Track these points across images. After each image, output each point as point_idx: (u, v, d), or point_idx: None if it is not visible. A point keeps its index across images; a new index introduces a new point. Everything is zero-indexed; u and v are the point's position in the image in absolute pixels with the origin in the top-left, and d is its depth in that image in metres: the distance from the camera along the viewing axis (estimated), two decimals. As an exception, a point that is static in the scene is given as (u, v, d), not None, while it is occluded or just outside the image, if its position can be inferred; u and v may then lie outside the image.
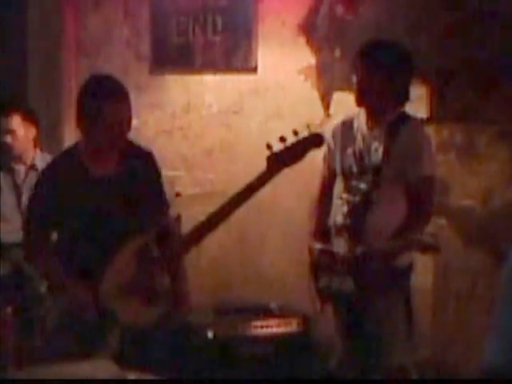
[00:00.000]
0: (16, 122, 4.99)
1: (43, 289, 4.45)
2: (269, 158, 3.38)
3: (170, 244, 3.58)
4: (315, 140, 3.41)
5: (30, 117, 5.05)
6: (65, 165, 3.52)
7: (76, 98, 3.52)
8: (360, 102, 3.73)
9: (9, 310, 3.00)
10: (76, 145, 3.62)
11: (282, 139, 3.35)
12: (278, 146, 3.36)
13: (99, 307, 3.42)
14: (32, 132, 5.05)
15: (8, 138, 4.98)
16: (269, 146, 3.38)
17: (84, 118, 3.44)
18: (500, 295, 1.98)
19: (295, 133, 3.37)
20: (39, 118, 5.22)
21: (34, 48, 5.99)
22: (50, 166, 3.62)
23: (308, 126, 3.35)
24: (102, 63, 5.94)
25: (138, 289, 3.47)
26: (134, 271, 3.47)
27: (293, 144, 3.38)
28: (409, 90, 3.76)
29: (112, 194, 3.49)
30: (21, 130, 5.00)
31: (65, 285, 3.44)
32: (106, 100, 3.38)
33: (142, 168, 3.60)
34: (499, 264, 4.41)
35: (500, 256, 4.45)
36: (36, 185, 3.63)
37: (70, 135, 5.99)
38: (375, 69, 3.66)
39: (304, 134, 3.34)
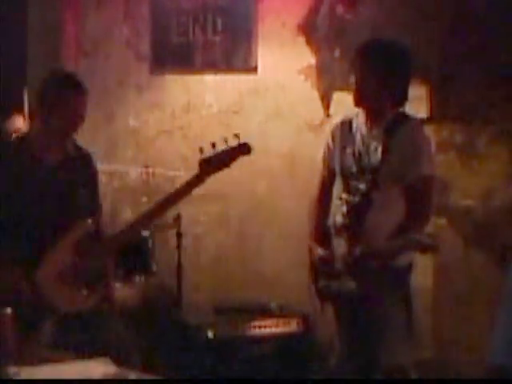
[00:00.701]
0: (21, 121, 5.05)
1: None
2: (200, 162, 3.61)
3: (100, 243, 3.74)
4: (243, 149, 3.63)
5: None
6: (14, 150, 3.70)
7: (39, 89, 3.75)
8: (358, 102, 3.73)
9: (9, 310, 3.00)
10: (27, 133, 3.88)
11: (213, 145, 3.59)
12: (209, 152, 3.61)
13: (35, 294, 3.51)
14: None
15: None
16: (201, 150, 3.60)
17: (45, 107, 3.66)
18: (504, 296, 1.97)
19: (225, 141, 3.59)
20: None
21: (34, 48, 5.98)
22: None
23: (237, 136, 3.57)
24: (101, 63, 5.95)
25: (75, 277, 3.58)
26: (72, 260, 3.59)
27: (222, 151, 3.60)
28: (408, 89, 3.75)
29: (53, 184, 3.68)
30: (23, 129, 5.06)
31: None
32: (69, 92, 3.63)
33: (81, 167, 3.82)
34: (499, 264, 4.42)
35: (500, 256, 4.45)
36: None
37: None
38: (373, 69, 3.66)
39: (233, 142, 3.58)
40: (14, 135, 3.97)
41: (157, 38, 5.66)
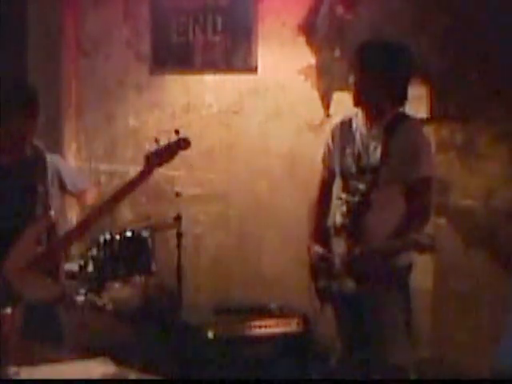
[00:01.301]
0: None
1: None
2: (146, 157, 3.71)
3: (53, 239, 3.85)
4: (183, 143, 3.71)
5: None
6: None
7: None
8: (357, 102, 3.73)
9: (9, 310, 3.00)
10: None
11: (156, 141, 3.70)
12: (153, 147, 3.73)
13: (4, 282, 3.62)
14: None
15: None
16: (156, 140, 3.71)
17: None
18: None
19: (176, 132, 3.72)
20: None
21: (34, 48, 5.99)
22: None
23: (177, 131, 3.68)
24: (102, 63, 5.95)
25: (41, 267, 3.69)
26: (37, 251, 3.70)
27: (164, 146, 3.70)
28: (407, 89, 3.75)
29: (9, 183, 3.80)
30: None
31: None
32: (17, 106, 3.77)
33: (37, 165, 3.89)
34: (499, 264, 4.43)
35: (500, 256, 4.45)
36: None
37: (70, 134, 6.00)
38: (372, 69, 3.66)
39: (174, 137, 3.70)
40: None
41: (157, 37, 5.66)
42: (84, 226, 3.80)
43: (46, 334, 3.50)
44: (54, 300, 3.80)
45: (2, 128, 3.77)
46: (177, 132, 3.69)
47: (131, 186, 3.74)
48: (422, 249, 3.50)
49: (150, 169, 3.70)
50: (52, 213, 3.83)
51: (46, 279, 3.73)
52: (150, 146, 3.72)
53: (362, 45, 3.79)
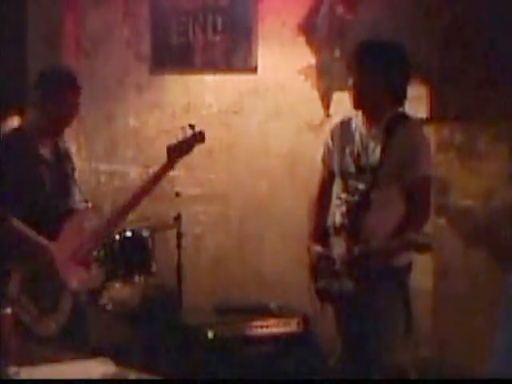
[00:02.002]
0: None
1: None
2: (167, 150, 4.05)
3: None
4: (199, 137, 4.12)
5: None
6: (15, 143, 3.82)
7: (35, 83, 3.92)
8: (357, 104, 3.73)
9: (9, 310, 3.00)
10: (22, 126, 4.01)
11: (191, 126, 4.11)
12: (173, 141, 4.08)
13: (51, 270, 3.75)
14: None
15: None
16: (191, 126, 4.10)
17: (41, 101, 3.85)
18: (504, 307, 1.97)
19: (191, 126, 4.12)
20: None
21: (34, 48, 5.98)
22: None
23: (191, 126, 4.10)
24: (101, 63, 5.95)
25: (82, 258, 3.88)
26: (78, 242, 3.85)
27: (182, 140, 4.09)
28: (406, 88, 3.75)
29: (53, 172, 3.89)
30: None
31: (33, 245, 3.73)
32: (63, 88, 3.84)
33: (68, 160, 4.03)
34: (499, 264, 4.42)
35: (500, 256, 4.45)
36: None
37: (70, 135, 5.99)
38: (369, 71, 3.66)
39: (190, 131, 4.10)
40: (6, 129, 4.07)
41: (157, 37, 5.66)
42: (117, 218, 4.04)
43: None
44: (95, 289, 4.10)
45: (54, 110, 3.82)
46: (191, 126, 4.08)
47: (157, 178, 4.04)
48: (420, 248, 3.49)
49: (172, 161, 4.03)
50: (89, 204, 4.04)
51: (88, 269, 3.91)
52: (170, 142, 4.05)
53: (359, 47, 3.79)
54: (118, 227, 4.31)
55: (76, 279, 3.83)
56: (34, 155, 3.83)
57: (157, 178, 4.03)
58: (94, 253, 4.24)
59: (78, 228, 3.89)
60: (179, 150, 4.05)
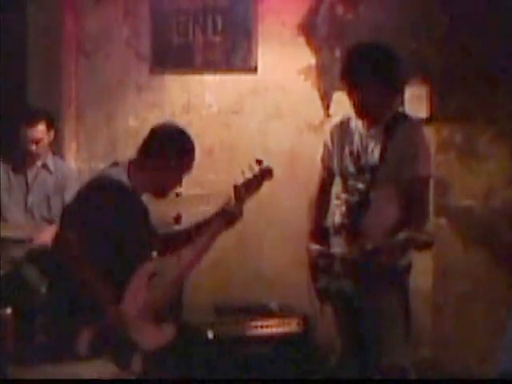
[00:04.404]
0: (41, 130, 5.10)
1: (43, 289, 4.45)
2: (234, 189, 3.81)
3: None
4: (268, 174, 3.88)
5: (51, 122, 5.17)
6: (120, 185, 3.60)
7: (152, 134, 3.78)
8: (360, 115, 3.73)
9: (9, 310, 3.00)
10: (129, 168, 3.71)
11: (243, 172, 3.81)
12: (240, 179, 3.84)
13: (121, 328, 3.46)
14: (50, 137, 5.17)
15: (33, 147, 5.11)
16: (243, 172, 3.83)
17: (162, 161, 3.68)
18: None
19: (258, 162, 3.85)
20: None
21: (33, 48, 5.98)
22: (106, 181, 3.62)
23: (259, 161, 3.83)
24: (101, 63, 5.94)
25: (151, 313, 3.58)
26: (148, 295, 3.58)
27: (251, 178, 3.83)
28: (403, 86, 3.75)
29: (142, 222, 3.70)
30: (45, 138, 5.12)
31: (103, 303, 3.45)
32: (182, 150, 3.72)
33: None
34: (499, 264, 4.43)
35: (500, 256, 4.45)
36: (91, 193, 3.60)
37: (70, 135, 5.99)
38: (360, 78, 3.65)
39: (256, 168, 3.84)
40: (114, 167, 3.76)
41: (157, 38, 5.65)
42: (189, 266, 3.82)
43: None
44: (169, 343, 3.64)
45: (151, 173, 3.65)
46: (259, 162, 3.82)
47: (225, 222, 3.82)
48: (420, 246, 3.49)
49: (241, 200, 3.80)
50: (155, 254, 3.73)
51: (158, 325, 3.61)
52: (237, 178, 3.82)
53: (346, 57, 3.78)
54: (185, 279, 3.98)
55: (148, 338, 3.55)
56: (136, 207, 3.65)
57: (225, 222, 3.79)
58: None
59: (147, 281, 3.61)
60: (247, 189, 3.82)
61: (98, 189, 3.59)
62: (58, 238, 3.54)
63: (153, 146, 3.71)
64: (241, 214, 3.80)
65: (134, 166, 3.69)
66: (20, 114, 5.32)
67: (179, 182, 3.78)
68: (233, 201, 3.78)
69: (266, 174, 3.83)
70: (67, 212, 3.63)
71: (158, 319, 3.60)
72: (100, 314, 3.41)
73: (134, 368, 3.40)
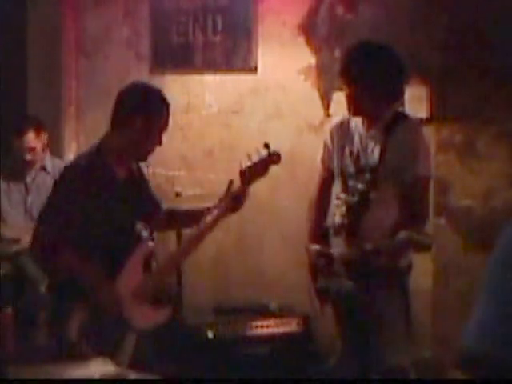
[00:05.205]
0: (32, 139, 5.13)
1: (43, 289, 4.45)
2: (240, 173, 3.63)
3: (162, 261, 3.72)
4: (275, 158, 3.63)
5: (40, 127, 5.20)
6: (89, 165, 3.52)
7: (118, 99, 3.58)
8: (354, 112, 3.73)
9: (9, 310, 3.00)
10: (99, 146, 3.64)
11: (248, 156, 3.61)
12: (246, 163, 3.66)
13: (115, 309, 3.45)
14: (43, 140, 5.18)
15: (28, 156, 5.17)
16: (248, 155, 3.62)
17: (127, 120, 3.54)
18: (484, 283, 1.97)
19: (266, 146, 3.62)
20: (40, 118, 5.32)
21: (33, 48, 5.99)
22: (73, 166, 3.62)
23: (266, 145, 3.60)
24: (101, 63, 5.95)
25: (147, 293, 3.55)
26: (142, 278, 3.56)
27: (257, 161, 3.62)
28: (402, 86, 3.75)
29: (125, 197, 3.59)
30: (37, 145, 5.14)
31: (95, 283, 3.44)
32: (156, 109, 3.54)
33: (141, 183, 3.75)
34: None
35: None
36: (60, 183, 3.58)
37: (70, 135, 6.00)
38: (358, 78, 3.66)
39: (264, 152, 3.62)
40: (86, 152, 3.69)
41: (157, 38, 5.66)
42: (190, 246, 3.74)
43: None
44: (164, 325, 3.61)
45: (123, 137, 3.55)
46: (266, 146, 3.62)
47: (227, 208, 3.68)
48: (419, 247, 3.49)
49: (247, 184, 3.65)
50: (154, 235, 3.68)
51: (154, 306, 3.57)
52: (244, 162, 3.66)
53: (344, 57, 3.79)
54: (184, 260, 3.96)
55: (142, 318, 3.53)
56: (106, 177, 3.53)
57: (230, 206, 3.65)
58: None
59: (143, 261, 3.57)
60: (254, 173, 3.64)
61: (64, 178, 3.56)
62: (32, 235, 3.51)
63: (121, 111, 3.57)
64: (246, 197, 3.66)
65: (107, 139, 3.63)
66: (12, 121, 5.35)
67: (159, 141, 3.61)
68: (238, 184, 3.65)
69: (273, 158, 3.64)
70: (41, 210, 3.60)
71: (155, 300, 3.57)
72: (92, 296, 3.39)
73: (127, 348, 3.40)
